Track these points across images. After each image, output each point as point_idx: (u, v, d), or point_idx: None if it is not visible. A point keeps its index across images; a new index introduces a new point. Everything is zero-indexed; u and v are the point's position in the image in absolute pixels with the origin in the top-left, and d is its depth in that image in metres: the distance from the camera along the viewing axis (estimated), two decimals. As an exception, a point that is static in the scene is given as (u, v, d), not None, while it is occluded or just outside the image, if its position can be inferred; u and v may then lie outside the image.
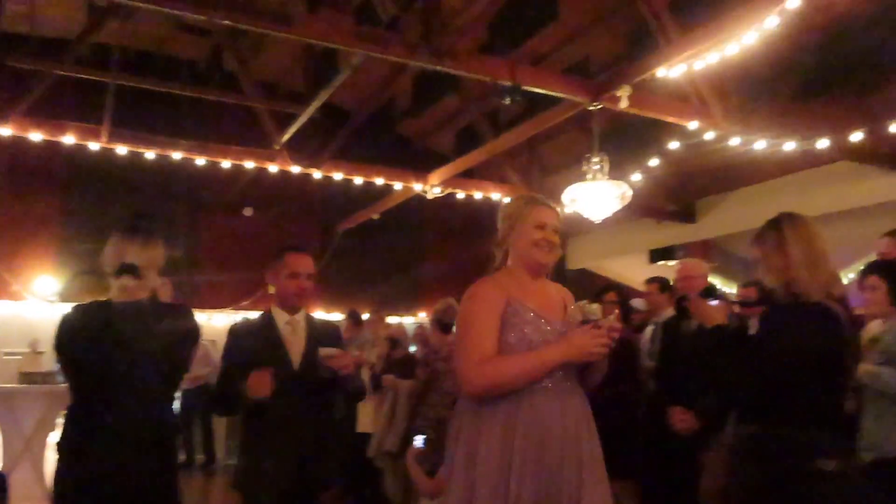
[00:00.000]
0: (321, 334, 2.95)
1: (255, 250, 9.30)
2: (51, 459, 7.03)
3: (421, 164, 8.75)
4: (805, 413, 2.30)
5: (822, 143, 5.87)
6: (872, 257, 4.21)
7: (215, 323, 8.92)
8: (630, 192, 5.85)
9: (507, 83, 5.61)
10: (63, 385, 6.45)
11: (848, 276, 5.93)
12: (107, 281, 2.42)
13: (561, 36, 7.74)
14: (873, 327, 3.25)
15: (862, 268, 3.55)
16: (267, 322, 2.92)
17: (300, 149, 7.85)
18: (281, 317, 2.92)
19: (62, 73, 7.00)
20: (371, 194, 9.06)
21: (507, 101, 5.50)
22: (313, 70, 8.41)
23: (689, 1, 6.19)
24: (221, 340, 2.99)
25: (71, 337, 2.33)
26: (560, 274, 9.87)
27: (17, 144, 7.24)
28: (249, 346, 2.83)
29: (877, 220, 6.43)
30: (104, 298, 2.41)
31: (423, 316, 9.88)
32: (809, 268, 2.35)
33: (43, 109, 6.97)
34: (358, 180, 8.36)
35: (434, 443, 4.66)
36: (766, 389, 2.33)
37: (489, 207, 9.18)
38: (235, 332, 2.93)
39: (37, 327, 8.21)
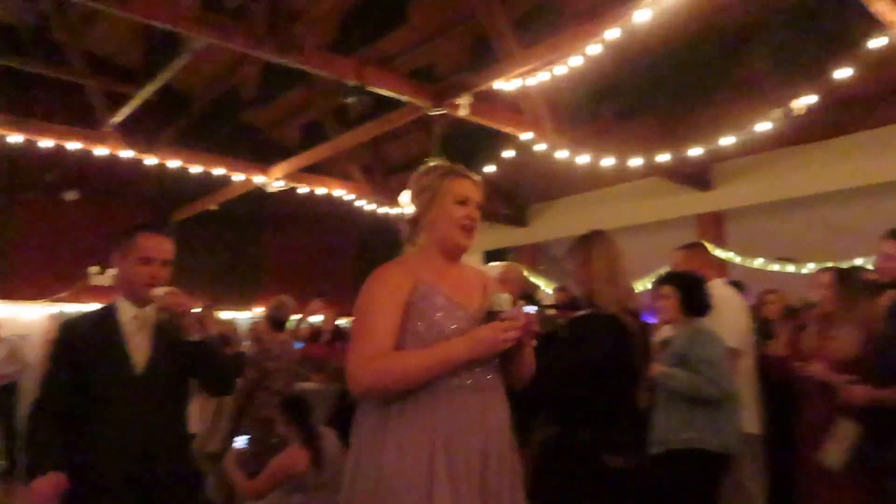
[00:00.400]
0: (171, 332, 2.47)
1: (77, 238, 8.70)
2: None
3: (264, 156, 8.56)
4: (597, 414, 2.55)
5: (635, 161, 6.51)
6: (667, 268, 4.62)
7: (29, 316, 8.24)
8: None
9: (352, 82, 5.72)
10: None
11: (646, 285, 6.60)
12: None
13: (408, 40, 7.94)
14: (665, 331, 3.66)
15: (656, 278, 3.97)
16: (107, 316, 2.46)
17: (133, 132, 7.42)
18: (126, 310, 2.46)
19: None
20: (210, 184, 8.70)
21: (352, 100, 5.60)
22: (151, 48, 8.01)
23: (531, 19, 6.64)
24: (36, 336, 2.76)
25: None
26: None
27: None
28: (83, 345, 2.38)
29: (680, 232, 7.26)
30: None
31: (258, 312, 9.71)
32: (609, 282, 2.63)
33: None
34: (196, 169, 8.03)
35: (258, 442, 4.66)
36: (566, 392, 2.57)
37: (332, 203, 9.24)
38: (67, 328, 2.47)
39: None
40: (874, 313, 3.19)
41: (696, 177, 7.65)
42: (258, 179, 8.31)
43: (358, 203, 9.10)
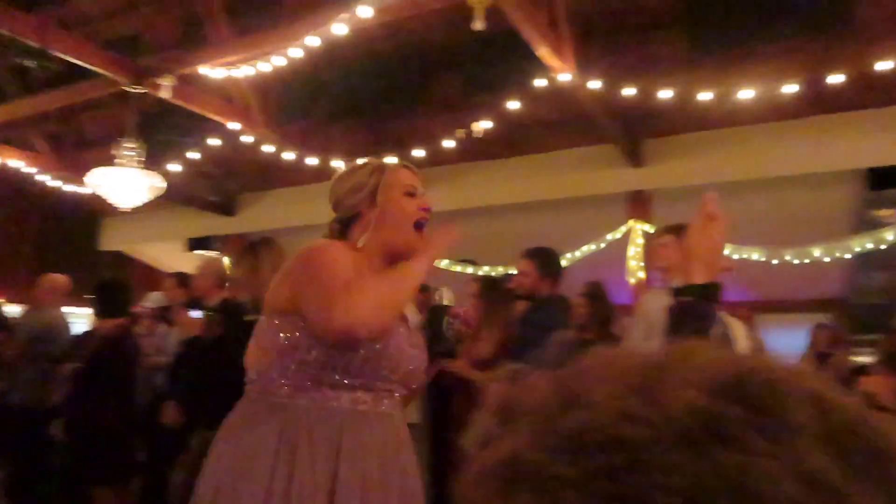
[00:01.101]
0: None
1: None
2: None
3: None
4: None
5: (337, 163, 6.78)
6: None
7: None
8: (163, 185, 5.84)
9: (34, 44, 5.14)
10: None
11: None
12: None
13: (110, 3, 7.33)
14: None
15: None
16: None
17: None
18: None
19: None
20: None
21: (31, 64, 5.04)
22: None
23: (246, 7, 6.55)
24: None
25: None
26: (92, 256, 9.27)
27: None
28: None
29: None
30: None
31: None
32: (263, 286, 2.76)
33: None
34: None
35: None
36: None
37: (6, 178, 8.14)
38: None
39: None
40: (510, 319, 3.74)
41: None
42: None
43: (40, 178, 8.12)
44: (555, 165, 7.13)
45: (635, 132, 6.64)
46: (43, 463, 4.49)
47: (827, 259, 5.94)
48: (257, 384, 1.72)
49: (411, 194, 1.84)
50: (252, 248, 2.85)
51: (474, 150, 6.63)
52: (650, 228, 6.28)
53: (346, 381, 1.64)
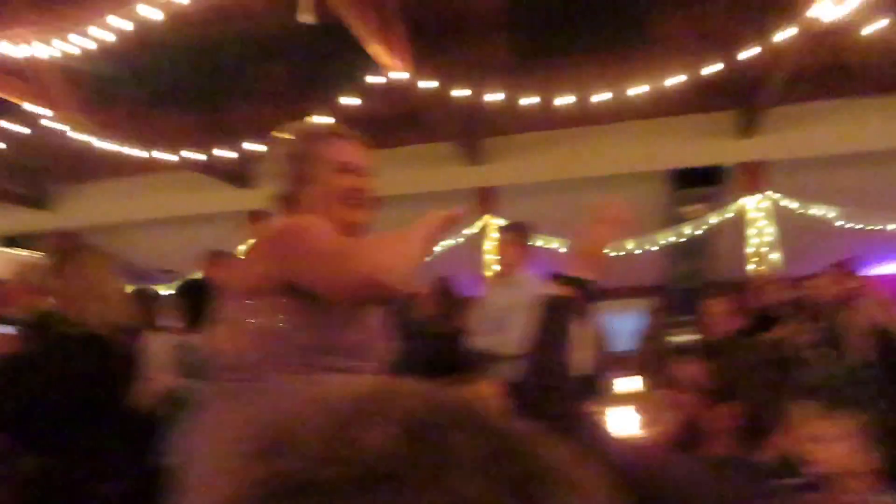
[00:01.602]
0: None
1: None
2: None
3: None
4: (82, 442, 2.41)
5: (164, 155, 6.36)
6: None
7: None
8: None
9: None
10: None
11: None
12: None
13: None
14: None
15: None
16: None
17: None
18: None
19: None
20: None
21: None
22: None
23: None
24: None
25: None
26: None
27: None
28: None
29: (216, 229, 7.31)
30: None
31: None
32: (96, 299, 2.49)
33: None
34: None
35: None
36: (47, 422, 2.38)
37: None
38: None
39: None
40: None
41: (234, 174, 7.78)
42: None
43: None
44: (395, 162, 7.13)
45: (473, 131, 6.78)
46: None
47: (638, 251, 6.46)
48: (238, 371, 1.52)
49: (344, 170, 1.65)
50: (65, 256, 2.54)
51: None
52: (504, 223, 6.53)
53: (337, 364, 1.52)
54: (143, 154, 6.41)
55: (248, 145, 6.15)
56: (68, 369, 2.42)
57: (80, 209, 8.44)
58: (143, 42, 5.15)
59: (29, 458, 2.50)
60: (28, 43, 4.94)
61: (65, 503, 2.42)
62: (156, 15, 4.35)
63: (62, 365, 2.40)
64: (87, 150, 6.53)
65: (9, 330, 3.25)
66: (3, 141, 6.09)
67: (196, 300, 3.25)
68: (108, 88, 6.46)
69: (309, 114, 5.87)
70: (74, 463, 2.41)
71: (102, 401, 2.49)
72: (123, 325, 2.58)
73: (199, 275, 4.02)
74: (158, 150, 6.39)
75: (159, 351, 3.28)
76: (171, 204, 7.90)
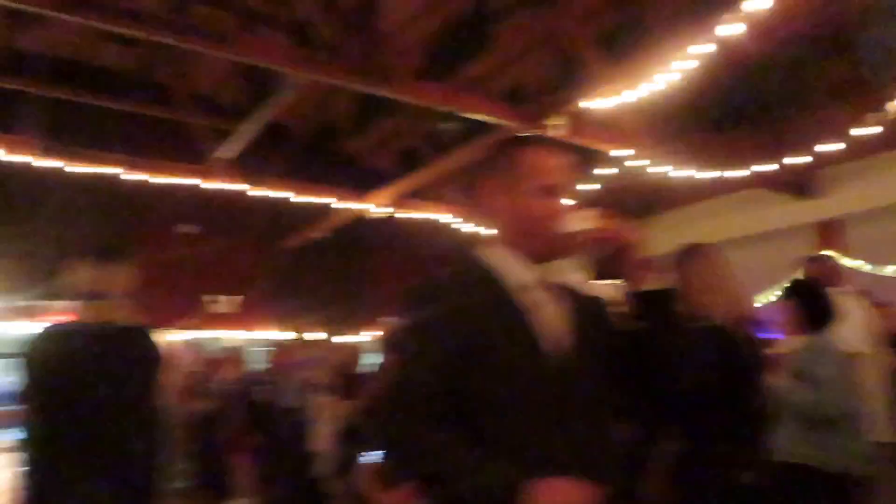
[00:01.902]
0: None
1: (192, 268, 9.07)
2: None
3: (363, 183, 8.75)
4: (726, 428, 2.49)
5: (736, 173, 6.25)
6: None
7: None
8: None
9: (444, 109, 5.78)
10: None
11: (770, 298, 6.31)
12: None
13: (495, 62, 7.94)
14: (787, 344, 3.49)
15: (781, 290, 3.81)
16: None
17: (241, 166, 7.76)
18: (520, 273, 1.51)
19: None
20: (314, 213, 9.04)
21: (446, 125, 5.66)
22: (251, 83, 8.35)
23: (616, 36, 6.51)
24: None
25: (44, 360, 2.21)
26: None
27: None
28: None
29: (784, 244, 6.91)
30: (73, 321, 2.34)
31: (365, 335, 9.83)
32: (711, 293, 2.56)
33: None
34: (300, 198, 8.31)
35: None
36: (694, 407, 2.47)
37: (434, 228, 9.42)
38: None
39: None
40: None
41: (800, 185, 7.29)
42: (359, 207, 8.49)
43: (460, 226, 9.23)
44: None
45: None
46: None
47: None
48: None
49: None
50: (683, 255, 2.69)
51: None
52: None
53: None
54: (713, 176, 6.43)
55: (817, 149, 5.62)
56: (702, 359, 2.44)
57: (657, 239, 8.93)
58: (724, 62, 5.15)
59: (670, 441, 2.62)
60: (618, 94, 5.44)
61: (708, 487, 2.46)
62: (736, 31, 4.29)
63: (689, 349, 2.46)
64: (660, 183, 6.87)
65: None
66: (597, 183, 6.82)
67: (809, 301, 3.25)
68: (677, 121, 6.70)
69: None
70: (721, 448, 2.47)
71: (732, 390, 2.51)
72: (739, 318, 2.60)
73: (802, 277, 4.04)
74: (728, 169, 6.32)
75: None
76: (739, 223, 7.77)
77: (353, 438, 5.23)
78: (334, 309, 9.76)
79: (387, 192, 8.36)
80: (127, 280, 2.40)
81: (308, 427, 6.24)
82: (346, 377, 5.72)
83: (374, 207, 8.50)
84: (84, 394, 2.19)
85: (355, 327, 10.02)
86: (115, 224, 8.64)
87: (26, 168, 7.01)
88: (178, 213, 9.11)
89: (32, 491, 2.15)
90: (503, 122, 6.18)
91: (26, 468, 2.17)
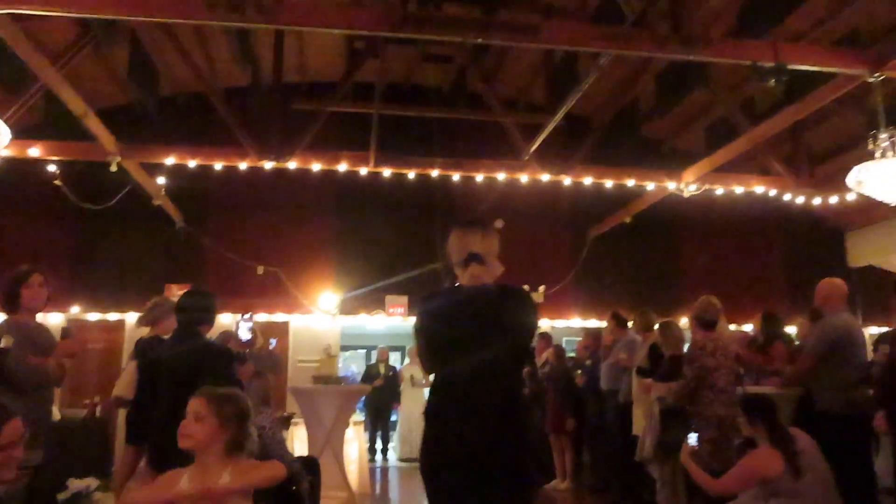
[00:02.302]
0: None
1: (504, 260, 9.58)
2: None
3: (668, 164, 8.54)
4: None
5: None
6: None
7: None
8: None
9: (770, 64, 5.23)
10: (354, 386, 7.18)
11: None
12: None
13: (820, 11, 7.03)
14: None
15: None
16: None
17: (546, 158, 7.99)
18: None
19: (332, 110, 7.89)
20: (621, 198, 9.10)
21: (772, 83, 5.12)
22: (553, 81, 8.55)
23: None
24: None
25: (432, 319, 2.51)
26: (841, 272, 8.89)
27: (300, 177, 8.37)
28: None
29: None
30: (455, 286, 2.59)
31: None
32: None
33: (319, 144, 7.85)
34: (608, 184, 8.37)
35: (716, 442, 4.43)
36: None
37: (750, 202, 8.80)
38: None
39: (323, 336, 9.31)
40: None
41: None
42: (671, 186, 8.23)
43: (782, 197, 8.51)
44: None
45: None
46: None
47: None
48: None
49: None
50: None
51: None
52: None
53: None
54: None
55: None
56: None
57: None
58: None
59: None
60: None
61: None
62: None
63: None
64: None
65: None
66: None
67: None
68: None
69: None
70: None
71: None
72: None
73: None
74: None
75: None
76: None
77: (675, 421, 5.04)
78: (644, 292, 9.62)
79: (699, 168, 7.95)
80: (496, 246, 2.58)
81: (627, 411, 6.16)
82: (670, 358, 5.52)
83: (686, 185, 8.13)
84: (459, 344, 2.39)
85: (667, 308, 9.69)
86: (436, 222, 9.51)
87: (366, 180, 8.12)
88: (493, 209, 9.66)
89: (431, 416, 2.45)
90: (844, 70, 5.43)
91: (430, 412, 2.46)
